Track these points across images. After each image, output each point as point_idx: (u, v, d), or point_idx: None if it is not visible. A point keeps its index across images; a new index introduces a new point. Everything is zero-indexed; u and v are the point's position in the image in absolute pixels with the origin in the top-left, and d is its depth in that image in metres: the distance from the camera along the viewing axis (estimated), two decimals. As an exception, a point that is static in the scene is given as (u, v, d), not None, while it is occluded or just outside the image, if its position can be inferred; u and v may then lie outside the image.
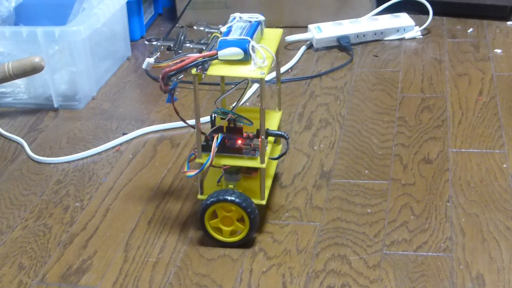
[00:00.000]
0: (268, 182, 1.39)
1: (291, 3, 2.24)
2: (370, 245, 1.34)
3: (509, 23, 2.21)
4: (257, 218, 1.32)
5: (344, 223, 1.39)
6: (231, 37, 1.28)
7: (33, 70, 1.73)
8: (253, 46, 1.25)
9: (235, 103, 1.37)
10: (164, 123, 1.76)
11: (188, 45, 1.32)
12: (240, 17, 1.35)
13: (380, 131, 1.68)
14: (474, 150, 1.60)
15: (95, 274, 1.30)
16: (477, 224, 1.38)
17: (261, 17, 1.35)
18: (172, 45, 1.33)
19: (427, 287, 1.24)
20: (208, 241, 1.36)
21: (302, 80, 1.94)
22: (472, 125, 1.69)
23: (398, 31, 2.16)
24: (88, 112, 1.85)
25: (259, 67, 1.25)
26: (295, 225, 1.40)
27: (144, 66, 1.30)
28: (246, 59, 1.25)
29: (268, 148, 1.35)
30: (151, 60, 1.28)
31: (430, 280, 1.25)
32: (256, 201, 1.33)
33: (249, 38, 1.26)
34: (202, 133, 1.33)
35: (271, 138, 1.38)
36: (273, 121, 1.45)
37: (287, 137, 1.37)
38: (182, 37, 1.32)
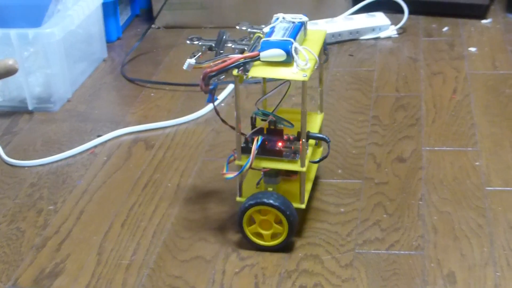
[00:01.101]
0: (308, 186, 1.38)
1: (267, 3, 2.24)
2: (343, 244, 1.34)
3: (484, 21, 2.22)
4: (296, 222, 1.31)
5: (317, 222, 1.40)
6: (273, 38, 1.26)
7: (7, 72, 1.72)
8: (295, 48, 1.23)
9: (277, 105, 1.34)
10: (139, 124, 1.76)
11: (229, 45, 1.31)
12: (284, 18, 1.32)
13: (354, 131, 1.68)
14: (448, 148, 1.60)
15: (68, 278, 1.30)
16: (449, 222, 1.38)
17: (304, 18, 1.32)
18: (213, 45, 1.31)
19: (398, 285, 1.25)
20: (181, 242, 1.37)
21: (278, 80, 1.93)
22: (446, 124, 1.69)
23: (373, 30, 2.17)
24: (63, 114, 1.84)
25: (301, 69, 1.23)
26: (268, 225, 1.40)
27: (185, 67, 1.29)
28: (288, 60, 1.24)
29: (309, 151, 1.34)
30: (192, 60, 1.28)
31: (402, 279, 1.26)
32: (295, 204, 1.32)
33: (291, 40, 1.24)
34: (242, 134, 1.32)
35: (312, 141, 1.37)
36: (314, 123, 1.43)
37: (328, 140, 1.35)
38: (224, 37, 1.31)
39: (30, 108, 1.85)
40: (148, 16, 2.40)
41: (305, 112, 1.26)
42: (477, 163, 1.55)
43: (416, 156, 1.58)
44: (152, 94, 1.92)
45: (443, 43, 2.10)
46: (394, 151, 1.61)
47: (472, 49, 2.05)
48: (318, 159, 1.40)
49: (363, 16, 2.20)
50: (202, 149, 1.66)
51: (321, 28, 1.38)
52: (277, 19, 1.33)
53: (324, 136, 1.36)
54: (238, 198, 1.36)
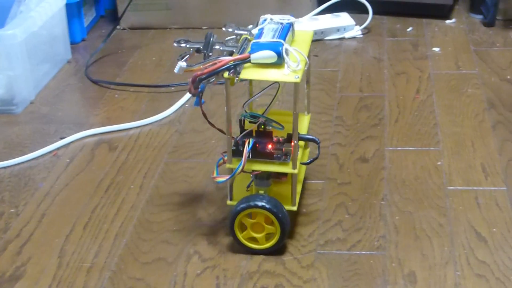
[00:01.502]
0: (298, 188, 1.37)
1: (232, 4, 2.24)
2: (304, 245, 1.34)
3: (447, 21, 2.24)
4: (288, 225, 1.30)
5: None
6: (263, 39, 1.25)
7: (-31, 75, 1.71)
8: (286, 49, 1.23)
9: (267, 106, 1.33)
10: (102, 126, 1.75)
11: (217, 47, 1.30)
12: (271, 19, 1.31)
13: (317, 131, 1.68)
14: (410, 148, 1.61)
15: (28, 281, 1.29)
16: (411, 221, 1.39)
17: (292, 19, 1.32)
18: (201, 47, 1.30)
19: (359, 285, 1.25)
20: (143, 244, 1.36)
21: (242, 81, 1.93)
22: (409, 123, 1.70)
23: (338, 30, 2.17)
24: (26, 116, 1.83)
25: (293, 70, 1.22)
26: (230, 226, 1.40)
27: (176, 70, 1.26)
28: (279, 62, 1.23)
29: (300, 153, 1.33)
30: (183, 64, 1.26)
31: (363, 279, 1.26)
32: (287, 207, 1.31)
33: (282, 41, 1.23)
34: (222, 132, 1.31)
35: (301, 143, 1.36)
36: (302, 124, 1.42)
37: (318, 141, 1.34)
38: (211, 39, 1.30)
39: (-8, 110, 1.84)
40: (113, 17, 2.39)
41: (297, 114, 1.26)
42: (439, 163, 1.56)
43: (379, 156, 1.59)
44: (116, 96, 1.91)
45: (407, 43, 2.11)
46: (357, 151, 1.61)
47: (436, 49, 2.06)
48: (308, 161, 1.38)
49: (328, 16, 2.21)
50: (165, 150, 1.65)
51: (308, 31, 1.38)
52: (265, 20, 1.31)
53: (314, 138, 1.35)
54: (229, 202, 1.35)
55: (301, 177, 1.42)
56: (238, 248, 1.34)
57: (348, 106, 1.79)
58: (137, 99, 1.88)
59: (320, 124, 1.71)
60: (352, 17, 2.20)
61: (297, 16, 2.21)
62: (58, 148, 1.68)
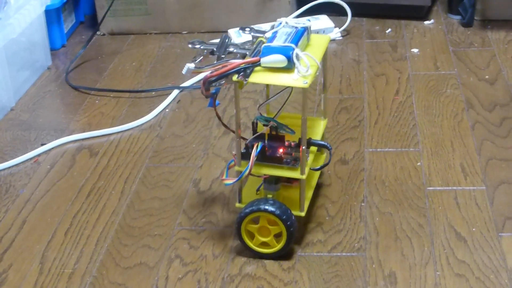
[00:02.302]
0: (309, 193, 1.37)
1: (211, 8, 2.24)
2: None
3: (426, 22, 2.25)
4: (295, 230, 1.29)
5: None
6: (275, 43, 1.24)
7: None
8: (297, 54, 1.22)
9: (278, 110, 1.32)
10: (83, 132, 1.75)
11: (231, 49, 1.30)
12: (287, 23, 1.31)
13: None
14: (390, 150, 1.62)
15: (9, 288, 1.30)
16: (391, 222, 1.40)
17: (308, 23, 1.31)
18: (215, 49, 1.30)
19: (340, 287, 1.26)
20: (124, 249, 1.37)
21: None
22: (388, 125, 1.71)
23: (317, 33, 2.18)
24: (6, 123, 1.83)
25: (302, 76, 1.22)
26: (211, 230, 1.41)
27: (184, 71, 1.27)
28: (289, 66, 1.22)
29: (310, 158, 1.33)
30: (191, 65, 1.26)
31: (344, 280, 1.27)
32: (295, 212, 1.31)
33: (293, 46, 1.23)
34: (244, 138, 1.31)
35: (313, 148, 1.35)
36: (317, 129, 1.41)
37: (330, 147, 1.34)
38: (226, 41, 1.30)
39: (-28, 117, 1.84)
40: (93, 23, 2.39)
41: (305, 119, 1.25)
42: (418, 164, 1.56)
43: (359, 157, 1.60)
44: (97, 102, 1.91)
45: (386, 45, 2.12)
46: (337, 153, 1.62)
47: (415, 50, 2.08)
48: (319, 167, 1.39)
49: (307, 19, 2.21)
50: (146, 155, 1.66)
51: (324, 35, 1.37)
52: (280, 23, 1.31)
53: (326, 144, 1.34)
54: (237, 204, 1.35)
55: (314, 183, 1.41)
56: (220, 251, 1.34)
57: (327, 108, 1.79)
58: (117, 105, 1.88)
59: (300, 126, 1.72)
60: (331, 19, 2.21)
61: (276, 19, 2.21)
62: (39, 155, 1.68)
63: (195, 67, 1.26)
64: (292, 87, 1.30)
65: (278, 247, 1.31)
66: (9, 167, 1.64)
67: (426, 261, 1.30)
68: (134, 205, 1.49)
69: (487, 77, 1.90)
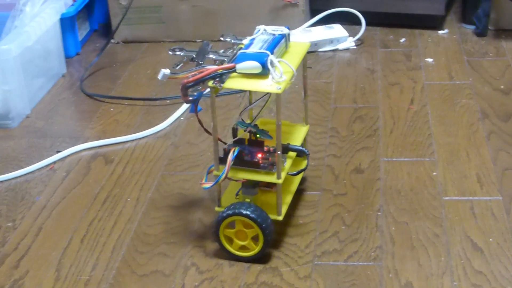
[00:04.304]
0: (288, 198, 1.39)
1: (225, 16, 2.25)
2: (301, 256, 1.35)
3: (440, 32, 2.25)
4: (271, 233, 1.31)
5: (275, 234, 1.40)
6: (251, 50, 1.27)
7: (-36, 90, 1.72)
8: (271, 61, 1.24)
9: (255, 116, 1.35)
10: (98, 139, 1.76)
11: (211, 56, 1.32)
12: (265, 30, 1.33)
13: (312, 142, 1.69)
14: (405, 159, 1.62)
15: (26, 295, 1.30)
16: (407, 232, 1.40)
17: (286, 30, 1.34)
18: (195, 55, 1.32)
19: (357, 296, 1.26)
20: (140, 257, 1.37)
21: (237, 94, 1.94)
22: (403, 134, 1.71)
23: (332, 42, 2.18)
24: (22, 130, 1.84)
25: (276, 81, 1.24)
26: (227, 238, 1.41)
27: (159, 77, 1.28)
28: (264, 73, 1.25)
29: (288, 163, 1.34)
30: (166, 71, 1.27)
31: (360, 289, 1.27)
32: (273, 216, 1.32)
33: (268, 52, 1.25)
34: (224, 143, 1.33)
35: (292, 154, 1.37)
36: (297, 135, 1.44)
37: (307, 152, 1.36)
38: (206, 48, 1.31)
39: (-12, 125, 1.85)
40: (107, 31, 2.40)
41: (279, 124, 1.27)
42: (434, 173, 1.56)
43: (374, 167, 1.60)
44: (111, 109, 1.91)
45: (400, 54, 2.12)
46: (352, 162, 1.62)
47: (429, 59, 2.07)
48: (295, 172, 1.40)
49: (321, 28, 2.22)
50: (161, 163, 1.66)
51: (304, 43, 1.39)
52: (259, 30, 1.33)
53: (303, 149, 1.37)
54: (217, 208, 1.36)
55: (293, 188, 1.42)
56: (236, 259, 1.34)
57: (342, 118, 1.80)
58: (132, 113, 1.89)
59: (315, 135, 1.72)
60: (345, 28, 2.21)
61: (290, 28, 2.22)
62: (54, 162, 1.69)
63: (170, 72, 1.28)
64: (270, 94, 1.33)
65: (256, 249, 1.32)
66: (25, 174, 1.65)
67: (443, 271, 1.30)
68: (150, 212, 1.49)
69: (502, 87, 1.90)
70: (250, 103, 1.43)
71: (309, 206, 1.48)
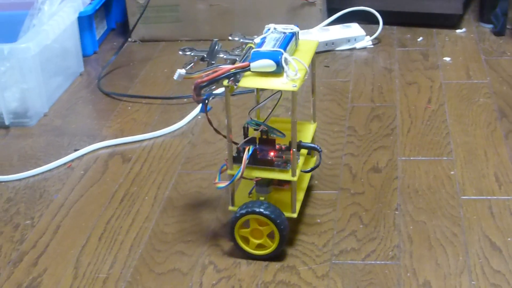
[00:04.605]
0: (300, 195, 1.39)
1: (241, 16, 2.25)
2: (319, 255, 1.35)
3: (458, 31, 2.24)
4: (286, 231, 1.31)
5: (293, 233, 1.40)
6: (264, 48, 1.27)
7: (-17, 88, 1.72)
8: (285, 58, 1.24)
9: (268, 114, 1.35)
10: (115, 138, 1.76)
11: (222, 55, 1.32)
12: (275, 28, 1.33)
13: (329, 141, 1.69)
14: (423, 158, 1.62)
15: (44, 292, 1.31)
16: (425, 231, 1.39)
17: (296, 28, 1.33)
18: (205, 55, 1.32)
19: (374, 295, 1.26)
20: (157, 255, 1.37)
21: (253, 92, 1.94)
22: (421, 133, 1.71)
23: (349, 41, 2.18)
24: (40, 129, 1.84)
25: (291, 79, 1.24)
26: (245, 237, 1.41)
27: (175, 77, 1.28)
28: (278, 71, 1.24)
29: (300, 160, 1.34)
30: (182, 71, 1.27)
31: (378, 288, 1.27)
32: (287, 214, 1.33)
33: (281, 50, 1.25)
34: (235, 143, 1.33)
35: (304, 151, 1.37)
36: (306, 133, 1.44)
37: (319, 149, 1.36)
38: (216, 48, 1.31)
39: (6, 123, 1.85)
40: (124, 30, 2.40)
41: (295, 122, 1.27)
42: (452, 172, 1.56)
43: (392, 166, 1.59)
44: (129, 108, 1.92)
45: (417, 53, 2.12)
46: (369, 161, 1.62)
47: (446, 58, 2.07)
48: (309, 169, 1.41)
49: (338, 27, 2.22)
50: (178, 162, 1.66)
51: (312, 41, 1.39)
52: (269, 29, 1.33)
53: (316, 146, 1.37)
54: (230, 207, 1.36)
55: (304, 185, 1.42)
56: (253, 258, 1.34)
57: (359, 117, 1.79)
58: (149, 111, 1.89)
59: (332, 134, 1.72)
60: (362, 27, 2.21)
61: (308, 27, 2.22)
62: (72, 160, 1.69)
63: (186, 72, 1.27)
64: (281, 92, 1.33)
65: (273, 247, 1.32)
66: (43, 172, 1.66)
67: (461, 270, 1.29)
68: (167, 211, 1.50)
69: (520, 86, 1.90)
70: (258, 103, 1.43)
71: (327, 205, 1.48)
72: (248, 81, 1.26)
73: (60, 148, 1.75)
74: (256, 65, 1.25)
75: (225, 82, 1.25)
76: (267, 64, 1.24)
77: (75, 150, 1.72)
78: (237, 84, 1.25)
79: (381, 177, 1.56)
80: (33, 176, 1.64)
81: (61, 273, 1.35)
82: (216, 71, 1.25)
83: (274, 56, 1.24)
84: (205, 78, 1.24)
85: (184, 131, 1.79)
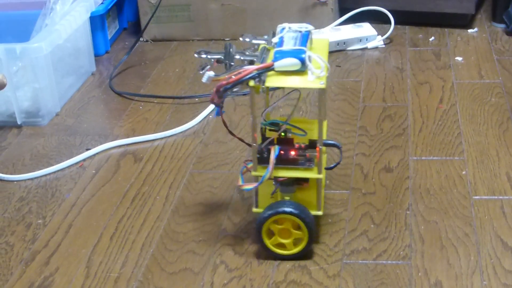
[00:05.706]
0: (322, 193, 1.38)
1: (253, 15, 2.25)
2: (330, 255, 1.35)
3: (470, 30, 2.24)
4: (314, 229, 1.32)
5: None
6: (286, 47, 1.26)
7: (-4, 87, 1.73)
8: (309, 56, 1.24)
9: (290, 114, 1.35)
10: (127, 137, 1.76)
11: (238, 57, 1.31)
12: (290, 27, 1.33)
13: (341, 141, 1.69)
14: (434, 158, 1.61)
15: (56, 291, 1.31)
16: (436, 231, 1.39)
17: (310, 27, 1.33)
18: (222, 57, 1.31)
19: (386, 295, 1.26)
20: (169, 255, 1.37)
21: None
22: (433, 133, 1.71)
23: (360, 41, 2.18)
24: (52, 128, 1.85)
25: (317, 77, 1.24)
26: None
27: (204, 80, 1.28)
28: (302, 69, 1.24)
29: (324, 158, 1.34)
30: (211, 73, 1.27)
31: (389, 288, 1.27)
32: (312, 212, 1.32)
33: (304, 48, 1.25)
34: (247, 144, 1.34)
35: (323, 149, 1.37)
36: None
37: (340, 146, 1.36)
38: (230, 49, 1.31)
39: (18, 122, 1.86)
40: (136, 29, 2.41)
41: (322, 120, 1.27)
42: (463, 172, 1.56)
43: (403, 166, 1.59)
44: (140, 107, 1.92)
45: (429, 53, 2.11)
46: (381, 161, 1.61)
47: (458, 58, 2.07)
48: (331, 166, 1.39)
49: (350, 27, 2.22)
50: (190, 161, 1.66)
51: (324, 39, 1.39)
52: (283, 29, 1.33)
53: (336, 143, 1.36)
54: (254, 209, 1.36)
55: (324, 182, 1.42)
56: (265, 257, 1.35)
57: (371, 116, 1.79)
58: (161, 111, 1.89)
59: (344, 134, 1.72)
60: (374, 27, 2.21)
61: (319, 26, 2.22)
62: (84, 160, 1.70)
63: (215, 74, 1.27)
64: (300, 92, 1.34)
65: (294, 250, 1.33)
66: (55, 172, 1.66)
67: (472, 270, 1.29)
68: (179, 210, 1.50)
69: (532, 86, 1.89)
70: (267, 104, 1.43)
71: (338, 205, 1.48)
72: (274, 81, 1.25)
73: (72, 147, 1.75)
74: (281, 64, 1.24)
75: (251, 83, 1.24)
76: (292, 63, 1.24)
77: (87, 150, 1.73)
78: (263, 84, 1.24)
79: (392, 177, 1.56)
80: (45, 175, 1.65)
81: (73, 272, 1.35)
82: (240, 73, 1.24)
83: (298, 54, 1.24)
84: (230, 80, 1.23)
85: (195, 131, 1.79)
